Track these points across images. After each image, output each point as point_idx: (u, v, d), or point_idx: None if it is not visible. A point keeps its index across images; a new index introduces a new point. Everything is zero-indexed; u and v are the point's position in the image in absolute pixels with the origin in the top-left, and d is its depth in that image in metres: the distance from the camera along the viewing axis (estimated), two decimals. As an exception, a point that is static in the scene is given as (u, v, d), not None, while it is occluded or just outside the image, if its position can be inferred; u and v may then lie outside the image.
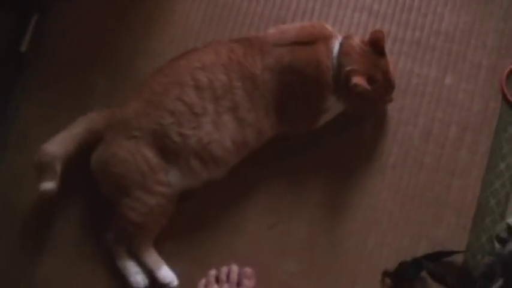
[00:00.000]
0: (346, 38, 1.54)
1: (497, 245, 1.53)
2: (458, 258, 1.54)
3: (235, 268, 1.56)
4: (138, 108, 1.53)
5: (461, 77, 1.65)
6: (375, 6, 1.71)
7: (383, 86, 1.51)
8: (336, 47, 1.52)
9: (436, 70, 1.66)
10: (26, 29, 1.76)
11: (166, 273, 1.57)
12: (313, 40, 1.52)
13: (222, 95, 1.50)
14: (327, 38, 1.53)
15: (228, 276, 1.55)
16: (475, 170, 1.60)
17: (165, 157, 1.51)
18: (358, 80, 1.44)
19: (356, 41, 1.52)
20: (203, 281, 1.55)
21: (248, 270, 1.55)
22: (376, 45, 1.50)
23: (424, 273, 1.51)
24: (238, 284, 1.54)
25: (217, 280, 1.55)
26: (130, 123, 1.52)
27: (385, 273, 1.55)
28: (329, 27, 1.58)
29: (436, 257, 1.53)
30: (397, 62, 1.66)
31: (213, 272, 1.56)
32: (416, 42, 1.67)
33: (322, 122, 1.59)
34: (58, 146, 1.57)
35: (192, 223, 1.62)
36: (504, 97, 1.63)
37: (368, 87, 1.45)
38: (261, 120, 1.52)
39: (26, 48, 1.77)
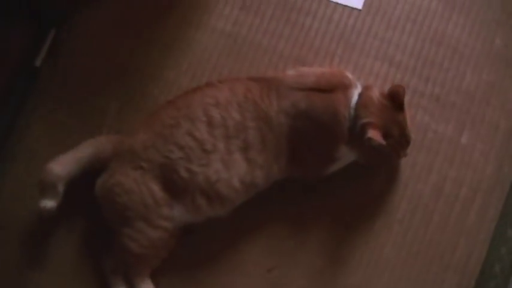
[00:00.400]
0: (366, 88, 1.51)
1: (498, 314, 1.50)
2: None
3: None
4: (148, 139, 1.50)
5: (478, 137, 1.62)
6: (397, 57, 1.68)
7: (398, 141, 1.48)
8: (354, 97, 1.49)
9: (453, 128, 1.63)
10: (43, 44, 1.74)
11: (159, 307, 1.55)
12: (332, 88, 1.49)
13: (234, 134, 1.48)
14: (346, 87, 1.50)
15: None
16: (482, 233, 1.57)
17: (170, 191, 1.49)
18: (374, 135, 1.42)
19: (376, 93, 1.50)
20: None
21: None
22: (395, 100, 1.48)
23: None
24: None
25: None
26: (138, 154, 1.50)
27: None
28: (349, 75, 1.55)
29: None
30: (414, 116, 1.63)
31: None
32: (436, 97, 1.65)
33: (332, 170, 1.56)
34: (63, 166, 1.54)
35: (191, 258, 1.59)
36: (520, 161, 1.61)
37: (383, 142, 1.42)
38: (271, 163, 1.50)
39: (40, 64, 1.74)
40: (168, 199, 1.49)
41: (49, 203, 1.53)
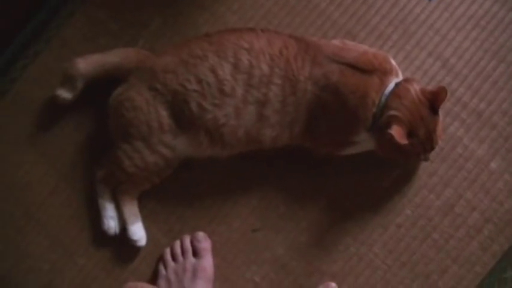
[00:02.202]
0: (406, 80, 1.42)
1: None
2: None
3: (186, 238, 1.53)
4: (171, 63, 1.47)
5: (508, 167, 1.52)
6: (452, 60, 1.58)
7: (422, 143, 1.39)
8: (391, 85, 1.41)
9: (485, 149, 1.53)
10: None
11: (138, 230, 1.53)
12: (371, 70, 1.41)
13: (256, 85, 1.42)
14: (385, 72, 1.42)
15: (182, 247, 1.52)
16: (478, 267, 1.48)
17: (177, 121, 1.46)
18: (396, 132, 1.33)
19: (415, 87, 1.40)
20: (161, 267, 1.53)
21: (199, 234, 1.53)
22: (434, 101, 1.38)
23: None
24: (194, 252, 1.52)
25: (174, 257, 1.52)
26: (157, 75, 1.47)
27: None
28: (393, 62, 1.46)
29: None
30: (449, 125, 1.54)
31: (167, 250, 1.53)
32: (478, 113, 1.54)
33: (346, 152, 1.50)
34: (87, 64, 1.56)
35: (181, 194, 1.57)
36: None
37: (404, 142, 1.34)
38: (284, 127, 1.44)
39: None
40: (173, 127, 1.46)
41: (64, 94, 1.57)
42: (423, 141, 1.39)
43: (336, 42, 1.49)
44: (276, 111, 1.43)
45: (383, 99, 1.40)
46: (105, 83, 1.54)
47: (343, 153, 1.50)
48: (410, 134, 1.37)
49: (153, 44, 1.65)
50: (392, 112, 1.37)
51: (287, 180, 1.55)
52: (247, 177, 1.56)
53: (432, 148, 1.42)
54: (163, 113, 1.46)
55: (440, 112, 1.40)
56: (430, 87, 1.41)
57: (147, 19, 1.68)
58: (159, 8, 1.68)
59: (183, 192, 1.57)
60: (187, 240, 1.52)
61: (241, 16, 1.65)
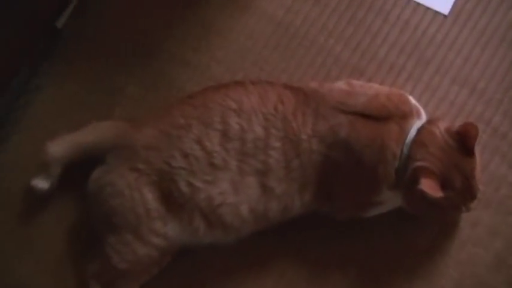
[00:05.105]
0: (430, 122, 1.26)
1: None
2: None
3: None
4: (152, 137, 1.31)
5: None
6: (480, 84, 1.40)
7: (461, 193, 1.22)
8: (412, 130, 1.24)
9: (535, 186, 1.33)
10: (67, 5, 1.58)
11: (142, 330, 1.36)
12: (386, 116, 1.25)
13: (252, 153, 1.26)
14: (404, 116, 1.25)
15: None
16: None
17: (166, 204, 1.29)
18: (427, 186, 1.16)
19: (441, 128, 1.23)
20: None
21: None
22: (464, 142, 1.22)
23: None
24: None
25: None
26: (138, 153, 1.31)
27: None
28: (412, 101, 1.30)
29: None
30: (488, 162, 1.37)
31: None
32: (521, 144, 1.34)
33: (371, 214, 1.33)
34: (61, 148, 1.42)
35: (186, 283, 1.38)
36: None
37: (439, 195, 1.16)
38: (292, 196, 1.27)
39: (62, 26, 1.59)
40: (163, 212, 1.29)
41: (40, 183, 1.43)
42: (461, 192, 1.23)
43: (341, 84, 1.34)
44: (281, 180, 1.26)
45: (405, 149, 1.24)
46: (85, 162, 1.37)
47: (367, 215, 1.33)
48: (444, 185, 1.20)
49: (131, 111, 1.50)
50: (419, 163, 1.22)
51: (306, 252, 1.38)
52: (259, 255, 1.38)
53: (473, 197, 1.26)
54: (149, 196, 1.29)
55: (476, 149, 1.22)
56: (458, 124, 1.23)
57: (122, 84, 1.53)
58: (133, 70, 1.54)
59: (187, 280, 1.39)
60: None
61: (228, 66, 1.49)
